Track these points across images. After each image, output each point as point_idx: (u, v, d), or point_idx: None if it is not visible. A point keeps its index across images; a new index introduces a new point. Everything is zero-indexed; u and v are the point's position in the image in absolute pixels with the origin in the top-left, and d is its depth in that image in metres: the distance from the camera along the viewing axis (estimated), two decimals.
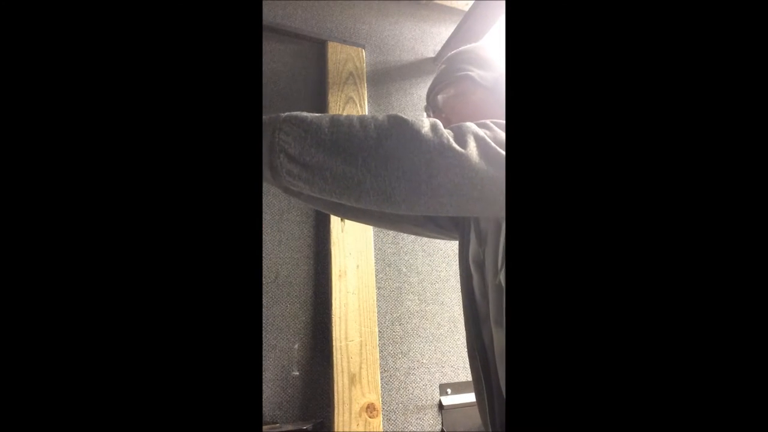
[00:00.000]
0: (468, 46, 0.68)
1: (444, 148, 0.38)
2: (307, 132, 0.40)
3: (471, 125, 0.42)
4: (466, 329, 0.66)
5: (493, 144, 0.40)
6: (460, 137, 0.40)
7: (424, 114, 0.69)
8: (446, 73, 0.65)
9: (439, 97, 0.65)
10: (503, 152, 0.39)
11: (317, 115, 0.42)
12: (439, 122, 0.41)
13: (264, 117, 0.43)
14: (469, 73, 0.62)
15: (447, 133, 0.40)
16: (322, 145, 0.39)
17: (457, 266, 1.29)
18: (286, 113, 0.43)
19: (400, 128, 0.39)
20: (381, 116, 0.41)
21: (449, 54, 0.68)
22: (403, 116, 0.41)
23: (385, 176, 0.38)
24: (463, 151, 0.38)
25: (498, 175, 0.38)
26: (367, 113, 1.29)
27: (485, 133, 0.41)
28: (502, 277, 0.54)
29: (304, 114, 0.42)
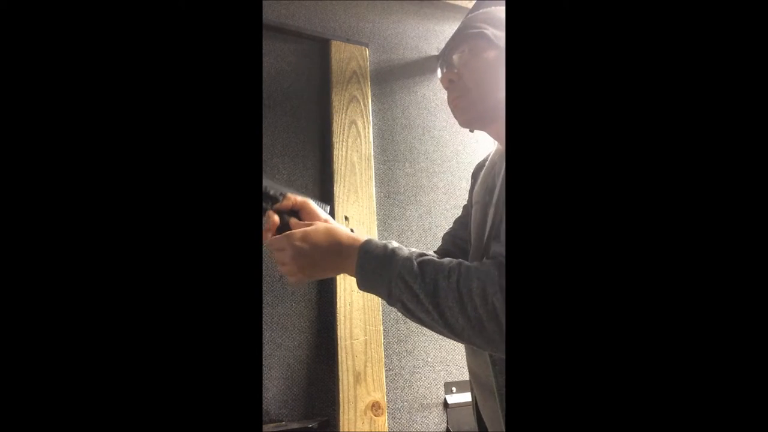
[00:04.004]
0: (488, 8, 0.67)
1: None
2: (419, 302, 0.48)
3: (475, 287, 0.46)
4: None
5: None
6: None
7: (439, 72, 0.69)
8: (461, 31, 0.65)
9: (454, 55, 0.65)
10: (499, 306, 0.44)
11: (428, 280, 0.48)
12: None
13: (381, 250, 0.51)
14: (485, 30, 0.61)
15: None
16: (430, 315, 0.48)
17: None
18: (401, 262, 0.49)
19: (489, 324, 0.45)
20: (482, 306, 0.45)
21: (468, 15, 0.68)
22: (498, 314, 0.44)
23: (474, 339, 0.47)
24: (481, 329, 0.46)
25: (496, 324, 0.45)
26: (371, 112, 1.29)
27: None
28: None
29: (415, 274, 0.48)
